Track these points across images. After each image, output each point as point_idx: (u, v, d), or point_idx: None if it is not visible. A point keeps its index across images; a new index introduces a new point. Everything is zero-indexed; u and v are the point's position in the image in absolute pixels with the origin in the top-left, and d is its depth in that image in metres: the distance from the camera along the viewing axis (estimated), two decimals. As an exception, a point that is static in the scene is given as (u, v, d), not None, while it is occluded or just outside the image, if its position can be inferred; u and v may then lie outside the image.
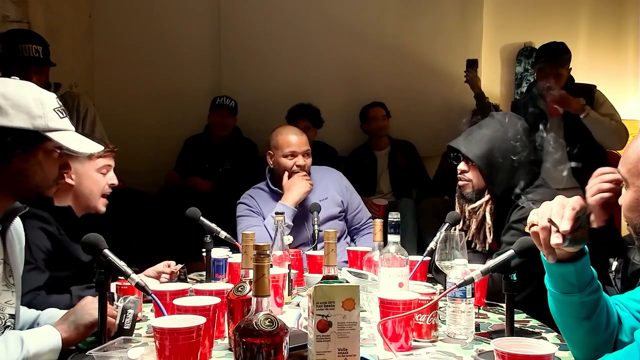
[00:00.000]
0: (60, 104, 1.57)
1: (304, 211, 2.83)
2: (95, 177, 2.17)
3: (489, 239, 2.23)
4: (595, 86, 4.05)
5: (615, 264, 2.02)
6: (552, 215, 1.28)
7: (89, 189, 2.17)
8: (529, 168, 2.22)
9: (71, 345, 1.55)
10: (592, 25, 5.03)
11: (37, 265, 1.97)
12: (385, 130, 4.76)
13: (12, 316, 1.59)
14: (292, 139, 2.89)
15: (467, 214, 2.29)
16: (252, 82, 4.98)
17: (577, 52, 4.67)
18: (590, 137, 3.85)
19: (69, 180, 2.11)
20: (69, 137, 1.55)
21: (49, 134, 1.50)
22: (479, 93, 4.62)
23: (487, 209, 2.24)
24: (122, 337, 1.53)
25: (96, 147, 1.65)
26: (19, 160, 1.48)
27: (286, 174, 2.86)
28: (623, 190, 1.35)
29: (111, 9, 4.94)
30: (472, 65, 4.67)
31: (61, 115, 1.54)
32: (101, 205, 2.22)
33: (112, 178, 2.24)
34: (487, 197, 2.25)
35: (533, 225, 1.32)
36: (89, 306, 1.57)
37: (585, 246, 1.34)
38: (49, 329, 1.53)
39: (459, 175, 2.31)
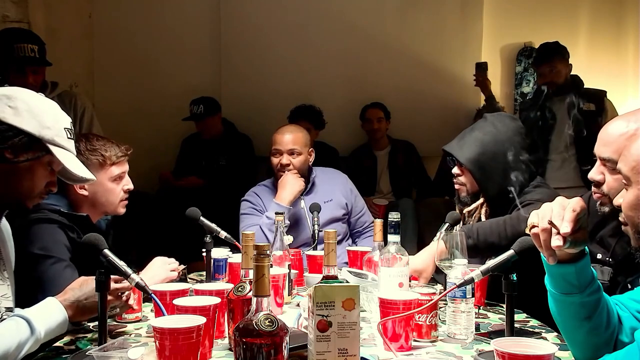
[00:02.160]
0: (72, 127, 1.63)
1: (305, 211, 2.83)
2: (109, 186, 2.15)
3: None
4: (605, 92, 4.05)
5: None
6: (553, 216, 1.28)
7: (105, 198, 2.16)
8: (524, 168, 2.22)
9: (74, 320, 1.58)
10: (592, 26, 5.04)
11: (70, 264, 1.99)
12: (381, 131, 4.75)
13: (10, 309, 1.59)
14: (278, 137, 2.89)
15: (466, 215, 2.30)
16: (252, 81, 4.98)
17: (577, 53, 4.67)
18: (595, 138, 3.86)
19: (82, 191, 2.12)
20: (68, 157, 1.59)
21: (51, 147, 1.54)
22: (489, 96, 4.60)
23: (483, 211, 2.25)
24: (122, 337, 1.53)
25: (90, 176, 1.66)
26: (14, 163, 1.51)
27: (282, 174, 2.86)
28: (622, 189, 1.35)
29: (111, 9, 4.94)
30: (482, 68, 4.67)
31: (69, 136, 1.60)
32: (120, 209, 2.22)
33: (127, 183, 2.22)
34: (481, 199, 2.25)
35: (533, 226, 1.32)
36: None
37: (586, 247, 1.34)
38: (53, 303, 1.54)
39: (453, 179, 2.32)
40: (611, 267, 1.81)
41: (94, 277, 1.58)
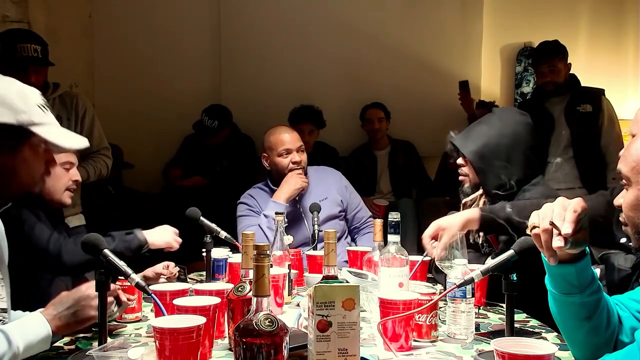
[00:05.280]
0: (44, 99, 1.55)
1: (303, 211, 2.84)
2: (57, 172, 2.16)
3: (481, 232, 2.24)
4: (603, 91, 4.04)
5: (597, 271, 2.02)
6: (554, 217, 1.27)
7: (51, 183, 2.16)
8: (526, 165, 2.22)
9: (58, 335, 1.54)
10: (592, 25, 5.04)
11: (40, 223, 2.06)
12: (382, 132, 4.74)
13: (4, 310, 1.57)
14: (285, 137, 2.89)
15: (467, 205, 2.31)
16: (252, 81, 4.98)
17: (577, 52, 4.68)
18: (594, 139, 3.88)
19: None
20: (53, 131, 1.52)
21: (34, 129, 1.46)
22: (472, 114, 4.57)
23: (481, 202, 2.26)
24: (122, 337, 1.53)
25: (82, 142, 1.60)
26: (4, 157, 1.45)
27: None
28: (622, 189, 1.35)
29: (111, 9, 4.94)
30: (464, 87, 4.67)
31: (44, 110, 1.51)
32: (66, 198, 2.24)
33: (75, 175, 2.24)
34: (480, 191, 2.26)
35: (534, 227, 1.31)
36: (86, 303, 1.55)
37: (587, 247, 1.34)
38: (36, 317, 1.50)
39: (458, 170, 2.34)
40: (636, 253, 1.79)
41: (76, 289, 1.58)
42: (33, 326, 1.47)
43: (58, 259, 2.06)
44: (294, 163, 2.86)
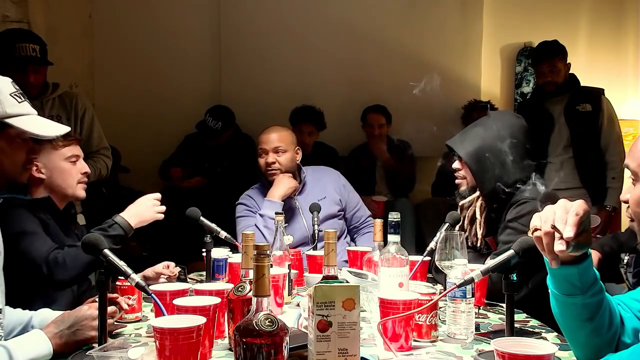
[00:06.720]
0: (17, 88, 1.53)
1: (301, 210, 2.84)
2: (64, 166, 2.18)
3: (479, 234, 2.25)
4: (603, 90, 4.05)
5: (626, 258, 2.04)
6: (556, 220, 1.25)
7: (61, 179, 2.18)
8: (523, 166, 2.22)
9: (59, 352, 1.53)
10: (592, 25, 5.03)
11: (42, 234, 2.03)
12: (382, 136, 4.71)
13: None
14: (263, 137, 2.90)
15: (463, 207, 2.32)
16: (252, 82, 4.97)
17: (577, 53, 4.67)
18: (593, 139, 3.88)
19: (39, 175, 2.13)
20: (31, 121, 1.51)
21: (9, 121, 1.46)
22: None
23: (478, 204, 2.27)
24: (122, 337, 1.53)
25: (61, 129, 1.60)
26: None
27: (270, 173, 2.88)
28: (629, 184, 1.34)
29: (111, 9, 4.94)
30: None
31: (19, 100, 1.50)
32: (79, 191, 2.24)
33: (84, 167, 2.25)
34: (477, 193, 2.27)
35: (536, 229, 1.29)
36: (87, 323, 1.55)
37: (588, 249, 1.34)
38: (38, 335, 1.50)
39: (455, 174, 2.35)
40: None
41: (78, 308, 1.59)
42: (35, 343, 1.47)
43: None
44: (266, 164, 2.86)
